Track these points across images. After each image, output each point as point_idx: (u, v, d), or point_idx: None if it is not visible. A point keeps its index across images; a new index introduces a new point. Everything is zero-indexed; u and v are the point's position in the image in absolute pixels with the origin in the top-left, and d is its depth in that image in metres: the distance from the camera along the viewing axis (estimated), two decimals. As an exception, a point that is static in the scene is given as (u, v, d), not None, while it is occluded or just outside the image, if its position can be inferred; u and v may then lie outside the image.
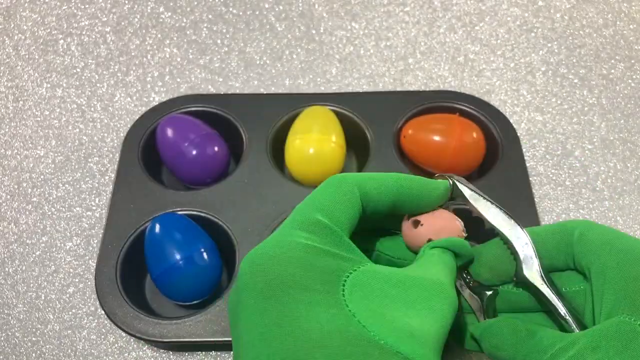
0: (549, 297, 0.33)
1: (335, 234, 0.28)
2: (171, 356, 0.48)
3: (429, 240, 0.34)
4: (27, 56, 0.67)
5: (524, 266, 0.34)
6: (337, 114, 0.56)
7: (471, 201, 0.36)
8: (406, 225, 0.35)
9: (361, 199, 0.30)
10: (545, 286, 0.33)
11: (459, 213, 0.36)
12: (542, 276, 0.33)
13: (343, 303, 0.25)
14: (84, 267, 0.52)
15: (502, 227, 0.35)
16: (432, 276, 0.28)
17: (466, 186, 0.36)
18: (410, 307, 0.26)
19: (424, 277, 0.28)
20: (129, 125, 0.59)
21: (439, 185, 0.33)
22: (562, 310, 0.32)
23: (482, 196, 0.36)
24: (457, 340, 0.34)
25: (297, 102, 0.57)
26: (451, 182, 0.36)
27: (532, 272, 0.33)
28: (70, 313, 0.50)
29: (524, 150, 0.55)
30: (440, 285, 0.27)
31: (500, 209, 0.36)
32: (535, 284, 0.33)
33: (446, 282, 0.28)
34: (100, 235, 0.53)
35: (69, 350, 0.48)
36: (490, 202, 0.36)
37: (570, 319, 0.32)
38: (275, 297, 0.25)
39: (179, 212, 0.50)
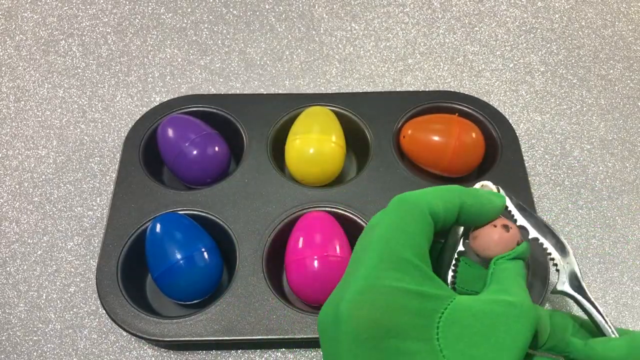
0: (586, 306, 0.35)
1: (423, 272, 0.28)
2: (172, 355, 0.48)
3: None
4: (28, 56, 0.67)
5: (563, 276, 0.36)
6: (337, 114, 0.56)
7: (517, 210, 0.37)
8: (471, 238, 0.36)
9: (433, 221, 0.30)
10: (582, 296, 0.35)
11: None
12: (581, 286, 0.35)
13: (438, 349, 0.26)
14: (85, 266, 0.53)
15: (545, 237, 0.36)
16: (511, 296, 0.29)
17: (510, 197, 0.38)
18: (495, 338, 0.27)
19: (505, 301, 0.28)
20: (129, 125, 0.59)
21: (495, 201, 0.33)
22: (598, 317, 0.34)
23: (526, 208, 0.38)
24: None
25: (297, 102, 0.57)
26: (503, 192, 0.37)
27: (571, 282, 0.35)
28: (71, 312, 0.50)
29: (523, 150, 0.56)
30: (521, 306, 0.28)
31: (542, 220, 0.37)
32: (573, 293, 0.35)
33: (525, 300, 0.29)
34: (101, 235, 0.53)
35: (70, 350, 0.49)
36: (533, 213, 0.38)
37: (608, 323, 0.34)
38: (378, 348, 0.26)
39: (180, 212, 0.51)
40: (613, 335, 0.34)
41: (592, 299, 0.35)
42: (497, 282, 0.30)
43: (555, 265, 0.36)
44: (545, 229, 0.37)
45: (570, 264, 0.36)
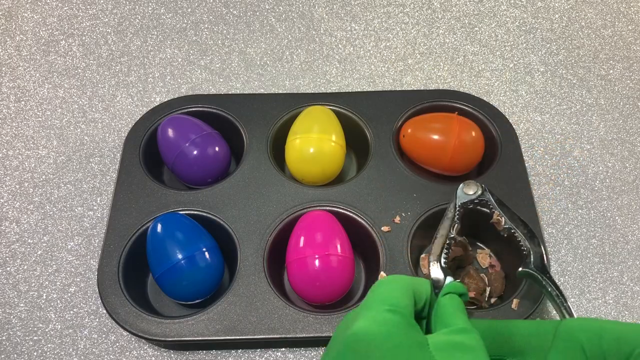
0: (549, 285, 0.41)
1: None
2: (172, 355, 0.48)
3: None
4: (28, 57, 0.67)
5: (529, 258, 0.43)
6: (337, 113, 0.56)
7: (496, 205, 0.45)
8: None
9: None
10: (547, 277, 0.42)
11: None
12: (544, 268, 0.43)
13: None
14: (85, 266, 0.53)
15: (517, 227, 0.44)
16: (458, 324, 0.33)
17: (491, 193, 0.46)
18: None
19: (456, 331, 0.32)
20: (130, 126, 0.59)
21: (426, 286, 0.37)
22: (561, 297, 0.41)
23: (504, 203, 0.46)
24: None
25: (297, 102, 0.57)
26: (483, 186, 0.46)
27: (536, 265, 0.43)
28: (71, 312, 0.50)
29: (522, 150, 0.56)
30: (469, 334, 0.32)
31: (516, 214, 0.45)
32: (535, 272, 0.42)
33: (468, 327, 0.32)
34: (102, 235, 0.53)
35: (70, 349, 0.49)
36: (509, 208, 0.46)
37: (567, 305, 0.40)
38: None
39: (181, 212, 0.51)
40: (570, 317, 0.39)
41: (554, 280, 0.42)
42: (440, 317, 0.34)
43: (524, 250, 0.44)
44: (519, 220, 0.45)
45: (538, 250, 0.43)
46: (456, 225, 0.44)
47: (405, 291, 0.33)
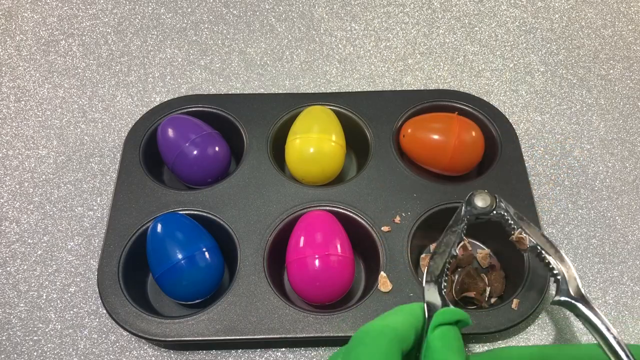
0: (589, 315, 0.34)
1: None
2: (172, 355, 0.48)
3: None
4: (28, 57, 0.67)
5: (564, 285, 0.36)
6: (337, 113, 0.56)
7: (517, 220, 0.38)
8: None
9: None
10: (586, 305, 0.35)
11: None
12: (583, 296, 0.35)
13: None
14: (85, 266, 0.53)
15: (544, 246, 0.37)
16: None
17: (508, 207, 0.39)
18: None
19: None
20: (130, 126, 0.59)
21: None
22: (603, 326, 0.34)
23: (523, 217, 0.38)
24: None
25: (297, 102, 0.57)
26: (497, 197, 0.39)
27: (573, 291, 0.36)
28: (71, 312, 0.50)
29: (522, 150, 0.56)
30: None
31: (540, 230, 0.38)
32: (575, 302, 0.35)
33: None
34: (102, 235, 0.53)
35: (70, 349, 0.49)
36: (530, 223, 0.38)
37: (619, 339, 0.33)
38: None
39: (181, 212, 0.51)
40: (621, 352, 0.32)
41: (597, 309, 0.35)
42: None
43: (555, 274, 0.37)
44: (543, 238, 0.38)
45: (571, 274, 0.36)
46: (461, 242, 0.39)
47: (389, 353, 0.29)
